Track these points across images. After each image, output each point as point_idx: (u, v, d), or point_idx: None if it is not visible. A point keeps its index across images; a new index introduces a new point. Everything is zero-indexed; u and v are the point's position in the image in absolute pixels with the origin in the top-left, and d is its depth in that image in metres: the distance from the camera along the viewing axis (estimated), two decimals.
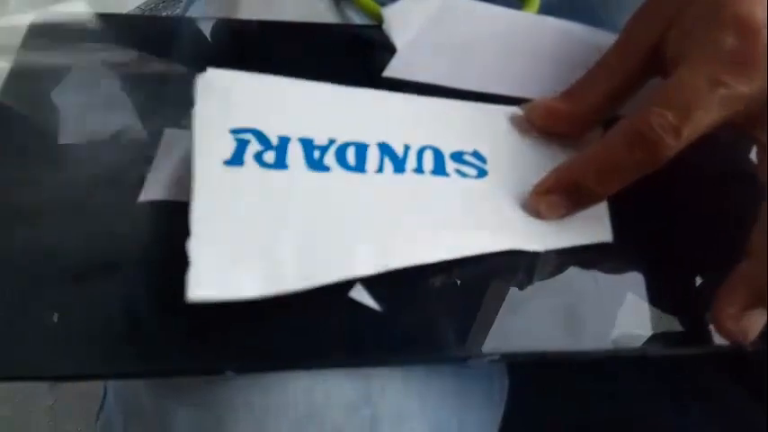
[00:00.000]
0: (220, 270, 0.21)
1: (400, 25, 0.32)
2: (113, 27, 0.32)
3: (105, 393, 0.29)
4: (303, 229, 0.23)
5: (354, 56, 0.32)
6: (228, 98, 0.26)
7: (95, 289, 0.22)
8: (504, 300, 0.25)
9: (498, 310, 0.24)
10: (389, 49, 0.32)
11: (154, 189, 0.24)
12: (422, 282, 0.24)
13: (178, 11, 0.46)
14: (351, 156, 0.25)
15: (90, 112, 0.28)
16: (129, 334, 0.22)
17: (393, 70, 0.31)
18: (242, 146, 0.24)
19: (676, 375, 0.33)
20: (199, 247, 0.21)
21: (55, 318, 0.21)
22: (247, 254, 0.22)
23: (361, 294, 0.23)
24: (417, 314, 0.23)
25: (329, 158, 0.25)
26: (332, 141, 0.26)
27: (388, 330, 0.22)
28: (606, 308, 0.25)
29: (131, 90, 0.29)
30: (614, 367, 0.32)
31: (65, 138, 0.27)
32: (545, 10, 0.33)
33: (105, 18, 0.31)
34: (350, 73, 0.31)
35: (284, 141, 0.25)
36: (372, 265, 0.23)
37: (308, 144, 0.25)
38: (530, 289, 0.25)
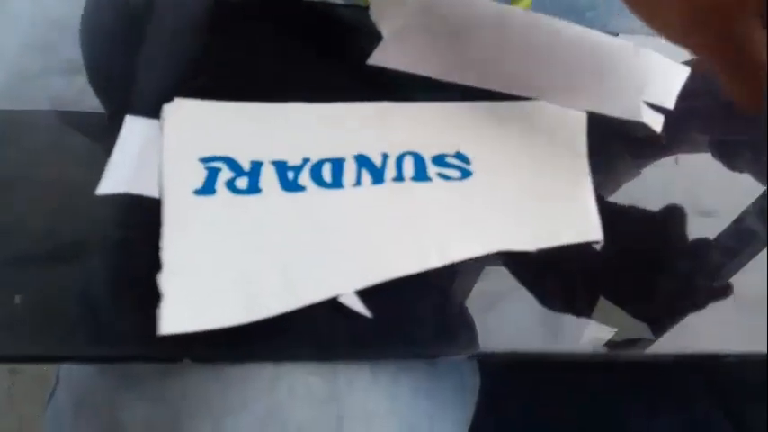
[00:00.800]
0: (193, 302, 0.20)
1: (388, 13, 0.32)
2: None
3: (57, 381, 0.28)
4: (281, 253, 0.22)
5: (338, 39, 0.31)
6: (196, 127, 0.25)
7: (55, 275, 0.22)
8: (479, 299, 0.24)
9: (474, 309, 0.24)
10: (375, 35, 0.31)
11: (112, 183, 0.23)
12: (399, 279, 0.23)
13: None
14: (326, 172, 0.25)
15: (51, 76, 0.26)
16: (87, 319, 0.21)
17: (378, 59, 0.30)
18: (213, 174, 0.24)
19: (648, 380, 0.33)
20: (170, 280, 0.20)
21: (17, 300, 0.20)
22: (223, 283, 0.21)
23: (351, 300, 0.22)
24: (389, 309, 0.22)
25: (304, 178, 0.24)
26: (306, 160, 0.25)
27: (360, 325, 0.22)
28: (585, 310, 0.24)
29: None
30: (585, 369, 0.32)
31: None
32: (536, 7, 0.33)
33: None
34: (333, 58, 0.31)
35: (257, 166, 0.24)
36: (354, 283, 0.22)
37: (281, 166, 0.25)
38: (508, 288, 0.24)
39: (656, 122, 0.30)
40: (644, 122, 0.29)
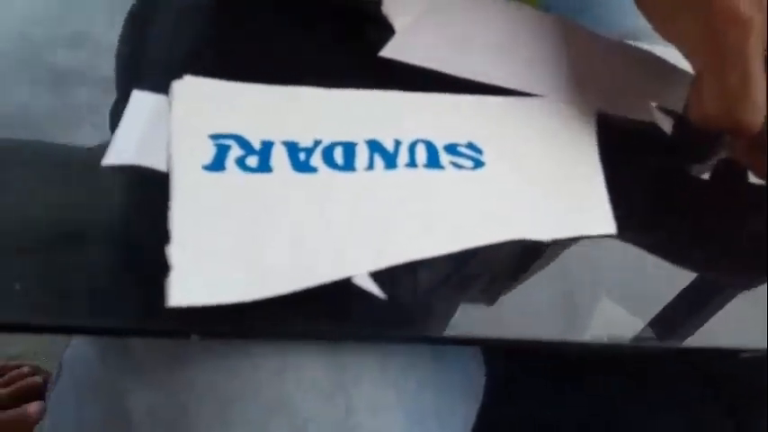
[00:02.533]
0: (203, 275, 0.20)
1: (400, 8, 0.32)
2: None
3: (60, 369, 0.27)
4: (291, 231, 0.22)
5: (351, 31, 0.31)
6: (206, 105, 0.25)
7: (60, 246, 0.21)
8: (497, 287, 0.23)
9: (490, 297, 0.23)
10: (387, 28, 0.30)
11: (118, 154, 0.23)
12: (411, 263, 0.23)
13: None
14: (338, 155, 0.24)
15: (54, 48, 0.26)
16: (92, 291, 0.20)
17: (390, 51, 0.30)
18: (222, 151, 0.23)
19: (649, 380, 0.33)
20: (179, 253, 0.20)
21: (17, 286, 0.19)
22: (231, 258, 0.20)
23: (365, 281, 0.21)
24: (402, 291, 0.22)
25: (316, 159, 0.24)
26: (318, 142, 0.25)
27: (373, 306, 0.21)
28: (602, 301, 0.24)
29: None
30: (587, 368, 0.32)
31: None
32: (545, 6, 0.33)
33: None
34: (346, 49, 0.30)
35: (268, 145, 0.24)
36: (366, 265, 0.21)
37: (292, 147, 0.24)
38: (525, 277, 0.24)
39: (667, 124, 0.30)
40: (655, 123, 0.30)
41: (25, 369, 0.63)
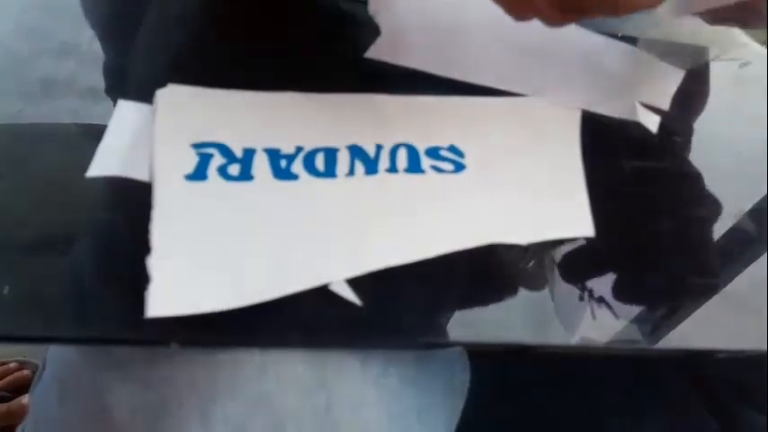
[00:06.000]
0: (182, 285, 0.20)
1: (386, 7, 0.32)
2: None
3: (43, 367, 0.28)
4: (272, 239, 0.22)
5: (336, 31, 0.31)
6: (190, 112, 0.25)
7: (45, 258, 0.21)
8: (472, 290, 0.24)
9: (466, 300, 0.24)
10: (373, 28, 0.31)
11: (103, 165, 0.23)
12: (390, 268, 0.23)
13: None
14: (320, 161, 0.25)
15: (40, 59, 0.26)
16: (75, 301, 0.21)
17: (375, 52, 0.30)
18: (205, 160, 0.24)
19: (635, 381, 0.33)
20: (159, 263, 0.20)
21: (5, 290, 0.20)
22: (212, 267, 0.21)
23: (342, 288, 0.22)
24: (380, 298, 0.22)
25: (297, 166, 0.24)
26: (299, 149, 0.25)
27: (350, 313, 0.21)
28: (576, 304, 0.24)
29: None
30: (573, 369, 0.32)
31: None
32: None
33: None
34: (330, 50, 0.30)
35: (249, 153, 0.24)
36: (344, 272, 0.22)
37: (274, 154, 0.24)
38: (499, 281, 0.24)
39: (653, 123, 0.30)
40: (639, 122, 0.30)
41: (12, 365, 0.65)
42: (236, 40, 0.30)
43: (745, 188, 0.30)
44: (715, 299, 0.24)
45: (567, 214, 0.26)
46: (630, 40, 0.33)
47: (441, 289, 0.23)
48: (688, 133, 0.31)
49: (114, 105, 0.25)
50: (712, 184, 0.29)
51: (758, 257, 0.27)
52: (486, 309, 0.24)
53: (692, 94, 0.33)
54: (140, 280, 0.20)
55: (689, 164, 0.30)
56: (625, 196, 0.27)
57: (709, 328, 0.24)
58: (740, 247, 0.27)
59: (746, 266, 0.26)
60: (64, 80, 0.26)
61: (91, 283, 0.21)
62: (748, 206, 0.29)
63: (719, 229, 0.27)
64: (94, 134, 0.24)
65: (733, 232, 0.27)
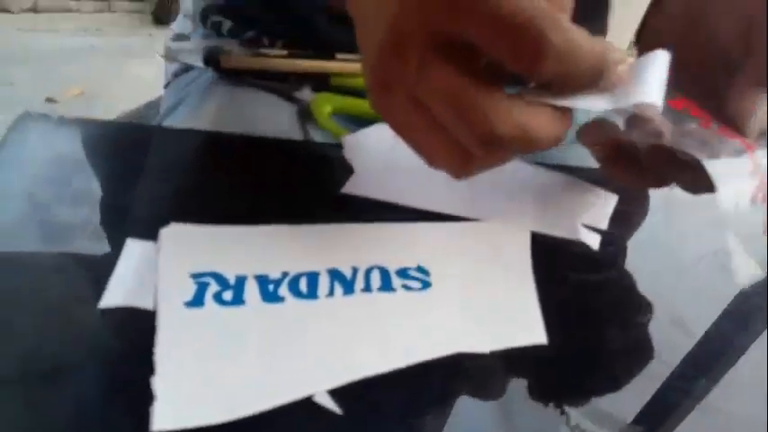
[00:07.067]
0: (183, 402, 0.23)
1: (358, 151, 0.37)
2: (95, 131, 0.35)
3: None
4: (261, 358, 0.25)
5: (316, 170, 0.36)
6: (188, 247, 0.29)
7: (55, 378, 0.23)
8: (442, 397, 0.26)
9: (437, 408, 0.26)
10: (348, 168, 0.35)
11: (113, 297, 0.26)
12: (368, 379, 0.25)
13: (155, 121, 0.50)
14: (303, 285, 0.28)
15: (59, 206, 0.30)
16: (85, 419, 0.23)
17: (351, 188, 0.34)
18: (202, 288, 0.27)
19: None
20: (162, 383, 0.23)
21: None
22: (208, 385, 0.24)
23: (324, 398, 0.24)
24: (360, 407, 0.25)
25: (283, 290, 0.28)
26: (285, 274, 0.28)
27: (332, 421, 0.24)
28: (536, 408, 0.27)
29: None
30: None
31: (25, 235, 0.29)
32: None
33: (88, 123, 0.35)
34: (311, 187, 0.35)
35: (241, 280, 0.28)
36: (326, 383, 0.24)
37: (263, 280, 0.28)
38: (468, 388, 0.27)
39: (594, 241, 0.34)
40: (582, 241, 0.34)
41: None
42: (228, 182, 0.34)
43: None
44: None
45: (522, 324, 0.29)
46: (571, 170, 0.38)
47: (416, 394, 0.26)
48: (625, 247, 0.36)
49: (107, 236, 0.29)
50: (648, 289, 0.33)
51: None
52: (457, 415, 0.26)
53: (630, 213, 0.38)
54: (146, 399, 0.22)
55: (625, 273, 0.34)
56: (572, 305, 0.31)
57: None
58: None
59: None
60: (78, 224, 0.30)
61: (101, 403, 0.23)
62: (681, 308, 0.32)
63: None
64: (105, 269, 0.27)
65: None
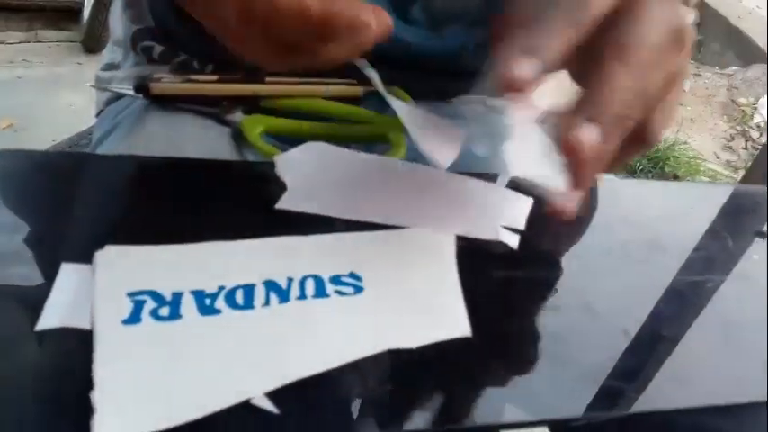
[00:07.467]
0: (122, 413, 0.24)
1: (290, 170, 0.38)
2: (27, 161, 0.35)
3: None
4: (199, 367, 0.26)
5: (251, 189, 0.37)
6: (124, 268, 0.30)
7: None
8: (380, 392, 0.28)
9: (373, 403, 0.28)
10: (281, 185, 0.37)
11: (49, 319, 0.27)
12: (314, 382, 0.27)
13: (88, 150, 0.50)
14: (239, 296, 0.29)
15: None
16: None
17: (285, 203, 0.36)
18: (139, 306, 0.28)
19: None
20: (101, 396, 0.24)
21: None
22: (147, 396, 0.25)
23: (261, 401, 0.25)
24: (297, 407, 0.26)
25: (220, 302, 0.29)
26: (222, 288, 0.30)
27: (270, 422, 0.25)
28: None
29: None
30: None
31: None
32: (411, 155, 0.40)
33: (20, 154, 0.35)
34: (247, 204, 0.36)
35: (177, 296, 0.29)
36: (262, 387, 0.26)
37: (199, 294, 0.29)
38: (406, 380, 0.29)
39: (513, 240, 0.37)
40: (502, 241, 0.37)
41: None
42: (163, 205, 0.35)
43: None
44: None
45: (447, 320, 0.31)
46: (490, 177, 0.41)
47: (349, 391, 0.28)
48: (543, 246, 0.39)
49: (39, 266, 0.30)
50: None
51: None
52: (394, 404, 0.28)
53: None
54: (87, 412, 0.23)
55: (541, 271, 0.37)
56: (495, 300, 0.33)
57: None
58: None
59: None
60: (12, 252, 0.30)
61: (42, 422, 0.24)
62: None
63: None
64: (41, 295, 0.28)
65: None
